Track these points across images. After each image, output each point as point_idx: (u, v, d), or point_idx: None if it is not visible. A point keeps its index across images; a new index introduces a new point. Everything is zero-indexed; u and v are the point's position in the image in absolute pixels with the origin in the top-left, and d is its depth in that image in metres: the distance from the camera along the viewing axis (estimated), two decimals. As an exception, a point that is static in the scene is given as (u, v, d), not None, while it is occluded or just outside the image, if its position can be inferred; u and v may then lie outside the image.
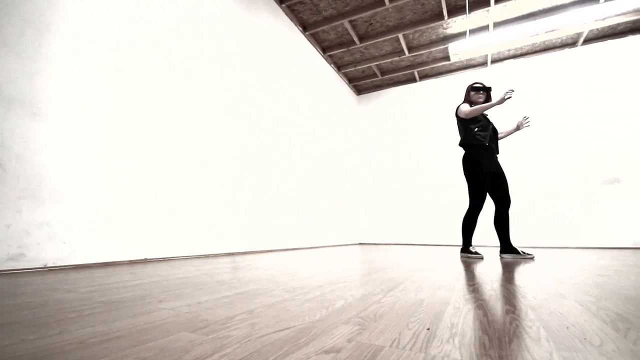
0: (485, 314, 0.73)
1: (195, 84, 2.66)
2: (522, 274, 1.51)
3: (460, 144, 2.67)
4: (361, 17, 4.15)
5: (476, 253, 2.54)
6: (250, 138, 3.32)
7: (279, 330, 0.61)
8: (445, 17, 4.05)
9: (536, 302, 0.87)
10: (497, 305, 0.83)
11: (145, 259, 2.11)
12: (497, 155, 2.69)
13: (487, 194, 2.67)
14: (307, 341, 0.55)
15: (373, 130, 6.19)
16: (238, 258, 2.45)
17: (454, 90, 5.52)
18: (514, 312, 0.75)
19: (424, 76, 5.72)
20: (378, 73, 5.55)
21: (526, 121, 2.61)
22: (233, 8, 3.15)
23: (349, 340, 0.55)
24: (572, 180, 4.59)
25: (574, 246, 4.47)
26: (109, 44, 2.03)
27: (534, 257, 2.46)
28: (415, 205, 5.60)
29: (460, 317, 0.70)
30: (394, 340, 0.55)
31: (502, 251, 2.55)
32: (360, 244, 5.89)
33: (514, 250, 2.48)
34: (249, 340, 0.55)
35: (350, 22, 4.23)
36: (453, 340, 0.55)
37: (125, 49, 2.12)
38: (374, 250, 3.64)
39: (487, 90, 2.62)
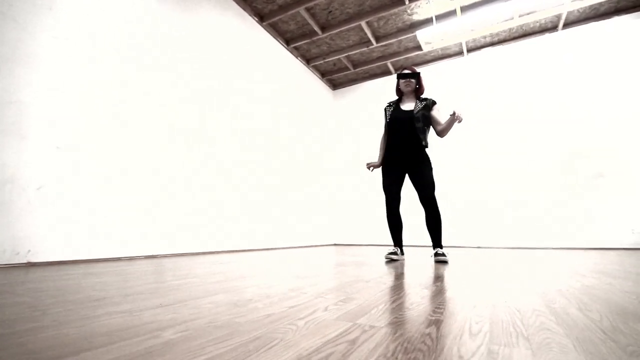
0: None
1: (124, 85, 2.48)
2: (378, 280, 1.25)
3: None
4: (318, 5, 3.91)
5: (394, 254, 2.29)
6: (209, 139, 3.13)
7: None
8: (407, 1, 3.77)
9: (270, 318, 0.62)
10: (211, 331, 0.59)
11: (29, 263, 1.92)
12: (417, 150, 2.32)
13: (397, 192, 2.38)
14: None
15: (350, 126, 5.93)
16: (171, 260, 2.25)
17: (432, 81, 5.21)
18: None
19: (399, 68, 5.43)
20: (350, 66, 5.29)
21: (457, 116, 2.15)
22: (159, 5, 2.95)
23: None
24: (554, 175, 4.23)
25: (558, 247, 4.11)
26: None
27: (447, 260, 2.15)
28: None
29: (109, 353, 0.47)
30: None
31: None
32: (335, 244, 5.64)
33: (437, 253, 2.19)
34: None
35: (308, 10, 3.99)
36: None
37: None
38: (337, 252, 3.39)
39: (415, 76, 2.36)
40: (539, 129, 4.38)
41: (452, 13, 4.04)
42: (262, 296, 0.95)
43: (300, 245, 4.76)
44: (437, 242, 2.26)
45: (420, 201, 2.27)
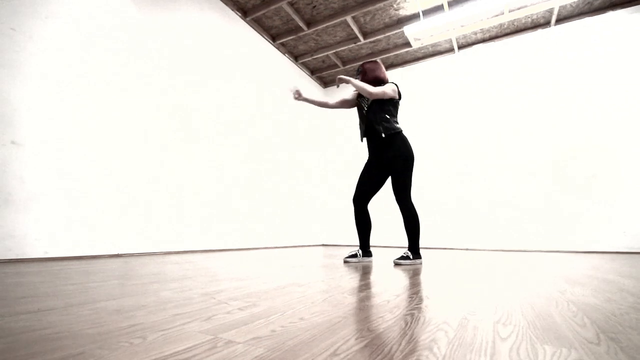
0: None
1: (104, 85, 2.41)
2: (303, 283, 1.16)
3: None
4: (301, -1, 3.82)
5: (352, 256, 2.21)
6: (193, 139, 3.06)
7: None
8: (392, -4, 3.67)
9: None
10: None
11: (-23, 261, 1.86)
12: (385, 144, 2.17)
13: (365, 190, 2.26)
14: None
15: (342, 125, 5.83)
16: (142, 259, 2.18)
17: (424, 79, 5.10)
18: None
19: (390, 65, 5.32)
20: (339, 63, 5.19)
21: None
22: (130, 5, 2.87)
23: None
24: (546, 176, 4.09)
25: (548, 250, 3.98)
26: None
27: (391, 263, 2.07)
28: (381, 205, 5.20)
29: None
30: None
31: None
32: (324, 245, 5.55)
33: (406, 256, 2.09)
34: None
35: (291, 4, 3.90)
36: None
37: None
38: (318, 252, 3.30)
39: (360, 71, 2.26)
40: (532, 128, 4.24)
41: (439, 8, 3.92)
42: (162, 302, 0.87)
43: (288, 245, 4.67)
44: (409, 245, 2.16)
45: (398, 203, 2.17)
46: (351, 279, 1.35)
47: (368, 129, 2.21)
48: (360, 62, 2.32)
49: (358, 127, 2.28)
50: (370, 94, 2.09)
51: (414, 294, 1.02)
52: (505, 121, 4.42)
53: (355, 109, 5.60)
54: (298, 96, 2.29)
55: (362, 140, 2.30)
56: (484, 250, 4.21)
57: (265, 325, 0.65)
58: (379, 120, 2.14)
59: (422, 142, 4.97)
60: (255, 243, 4.05)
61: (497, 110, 4.49)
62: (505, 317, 0.72)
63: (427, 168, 4.86)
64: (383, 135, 2.11)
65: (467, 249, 4.34)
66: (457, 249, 4.44)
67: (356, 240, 5.35)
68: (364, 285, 1.19)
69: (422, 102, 5.07)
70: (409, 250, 2.13)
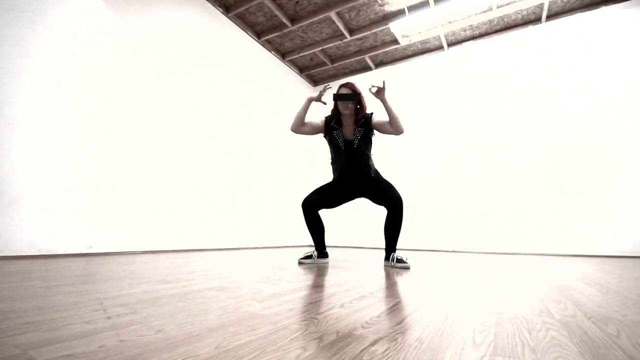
0: None
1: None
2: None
3: None
4: (282, -6, 3.74)
5: (307, 257, 2.15)
6: (175, 139, 3.00)
7: None
8: (375, -10, 3.57)
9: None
10: None
11: None
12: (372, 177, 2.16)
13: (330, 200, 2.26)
14: None
15: (331, 124, 5.73)
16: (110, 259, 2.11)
17: (413, 77, 4.99)
18: None
19: (379, 63, 5.22)
20: (327, 61, 5.11)
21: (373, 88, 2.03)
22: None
23: None
24: (537, 176, 3.97)
25: (537, 253, 3.85)
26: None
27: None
28: (370, 207, 5.09)
29: None
30: None
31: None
32: (311, 245, 5.45)
33: (400, 258, 2.00)
34: None
35: (273, 0, 3.82)
36: None
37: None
38: (295, 254, 3.22)
39: (355, 97, 2.03)
40: (523, 127, 4.12)
41: (425, 4, 3.82)
42: (40, 307, 0.79)
43: (277, 245, 4.60)
44: (394, 246, 2.08)
45: (386, 203, 2.07)
46: (288, 283, 1.26)
47: (355, 168, 2.12)
48: (356, 91, 2.09)
49: (331, 159, 2.11)
50: (400, 131, 2.04)
51: (335, 300, 0.93)
52: (496, 121, 4.30)
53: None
54: (320, 96, 2.12)
55: (336, 176, 2.21)
56: (472, 252, 4.09)
57: (106, 338, 0.56)
58: (366, 161, 2.12)
59: (413, 142, 4.86)
60: (245, 243, 4.00)
61: (487, 110, 4.37)
62: (398, 330, 0.63)
63: (417, 168, 4.75)
64: (372, 175, 2.12)
65: (454, 252, 4.22)
66: (445, 251, 4.32)
67: (340, 241, 5.26)
68: (298, 289, 1.10)
69: (413, 101, 4.96)
70: (393, 251, 2.04)
